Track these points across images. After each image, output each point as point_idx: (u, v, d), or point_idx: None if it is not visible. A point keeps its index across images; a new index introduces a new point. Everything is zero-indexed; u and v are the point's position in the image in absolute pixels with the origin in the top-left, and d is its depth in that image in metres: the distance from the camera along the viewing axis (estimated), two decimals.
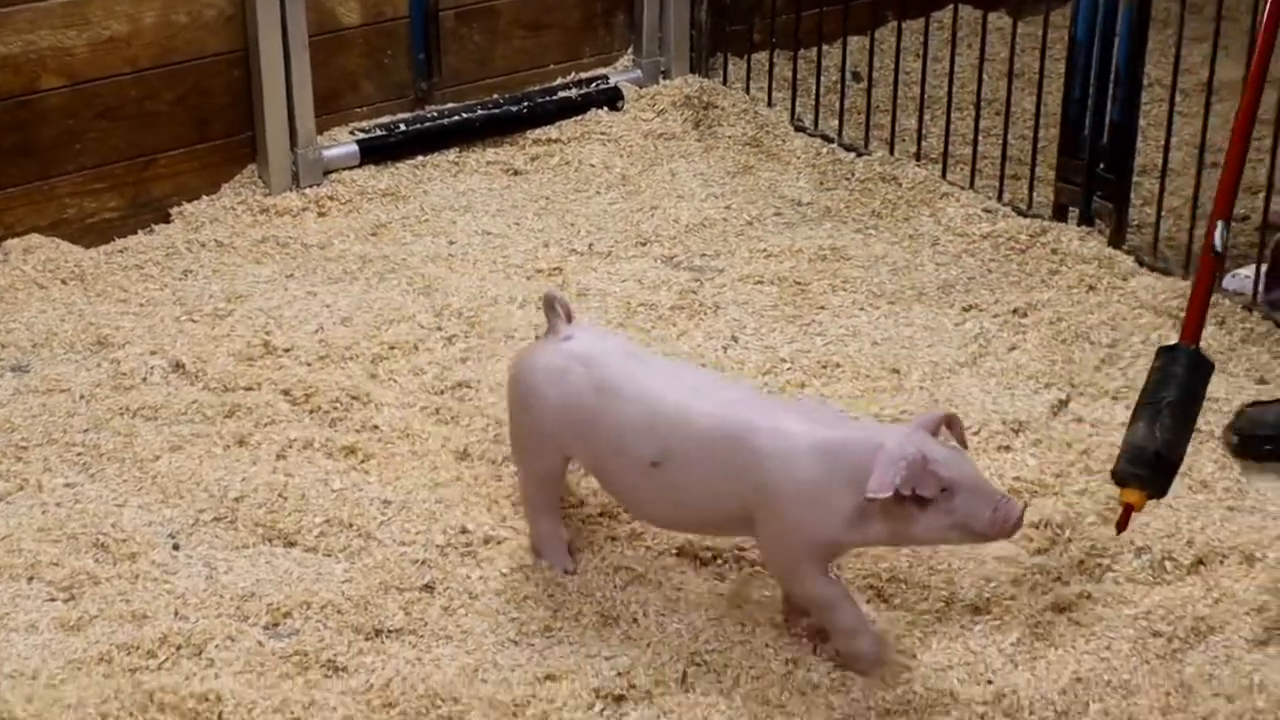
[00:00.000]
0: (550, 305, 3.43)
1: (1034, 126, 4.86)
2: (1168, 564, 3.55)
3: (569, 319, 3.44)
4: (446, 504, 3.69)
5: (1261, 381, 4.17)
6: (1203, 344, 3.99)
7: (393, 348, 4.23)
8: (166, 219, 4.74)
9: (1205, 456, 3.87)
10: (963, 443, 3.21)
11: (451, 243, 4.71)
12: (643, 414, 3.29)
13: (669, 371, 3.44)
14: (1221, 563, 3.55)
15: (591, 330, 3.56)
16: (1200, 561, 3.55)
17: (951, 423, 3.19)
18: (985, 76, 5.05)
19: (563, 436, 3.42)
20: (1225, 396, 4.08)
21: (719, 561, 3.55)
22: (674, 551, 3.57)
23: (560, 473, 3.54)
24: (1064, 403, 4.07)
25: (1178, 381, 3.32)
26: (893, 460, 3.03)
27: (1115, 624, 3.39)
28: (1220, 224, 3.37)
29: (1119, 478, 3.31)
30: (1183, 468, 3.76)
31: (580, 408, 3.35)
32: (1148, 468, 3.28)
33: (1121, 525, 3.36)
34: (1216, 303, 4.34)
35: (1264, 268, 4.42)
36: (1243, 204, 4.74)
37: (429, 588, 3.47)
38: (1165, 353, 3.38)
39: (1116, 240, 4.69)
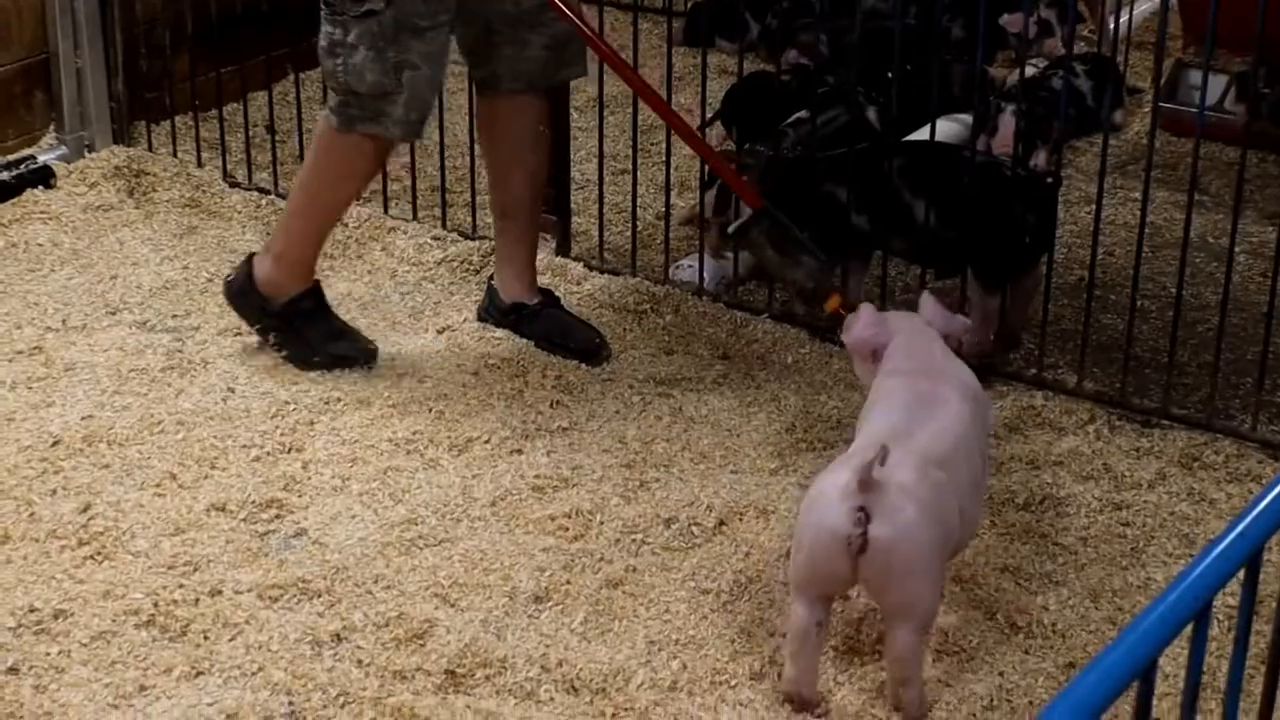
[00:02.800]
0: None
1: (470, 155, 5.07)
2: (694, 529, 3.83)
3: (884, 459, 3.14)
4: (5, 587, 3.61)
5: (724, 357, 4.51)
6: (662, 335, 4.36)
7: None
8: None
9: (704, 431, 4.18)
10: None
11: None
12: (944, 436, 3.34)
13: (882, 409, 3.45)
14: (740, 520, 3.86)
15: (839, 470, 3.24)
16: (722, 522, 3.85)
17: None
18: None
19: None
20: (696, 375, 4.41)
21: (292, 597, 3.63)
22: (254, 593, 3.62)
23: None
24: (560, 403, 4.30)
25: (782, 233, 4.14)
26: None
27: (666, 589, 3.64)
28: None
29: (822, 296, 4.11)
30: (681, 446, 4.08)
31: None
32: (823, 278, 4.13)
33: (848, 308, 3.98)
34: (669, 293, 4.70)
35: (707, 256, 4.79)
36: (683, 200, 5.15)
37: (14, 670, 3.39)
38: (755, 220, 4.15)
39: (563, 249, 4.96)
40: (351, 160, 4.34)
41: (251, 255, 4.51)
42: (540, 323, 4.56)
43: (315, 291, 4.51)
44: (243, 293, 4.48)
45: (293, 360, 4.43)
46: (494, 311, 4.63)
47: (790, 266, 4.14)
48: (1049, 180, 4.48)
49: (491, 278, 4.69)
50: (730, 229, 4.40)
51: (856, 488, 3.10)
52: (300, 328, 4.45)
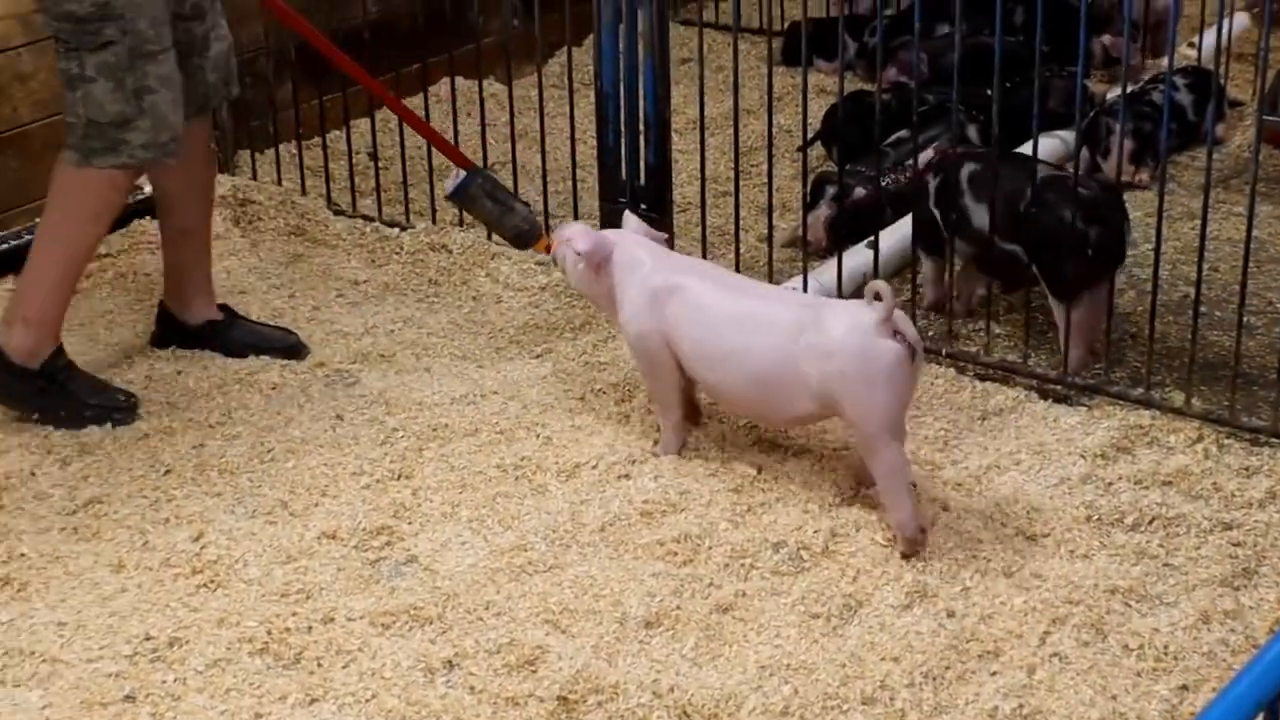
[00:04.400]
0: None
1: (571, 177, 5.10)
2: (803, 553, 3.82)
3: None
4: (121, 615, 3.67)
5: None
6: None
7: (9, 476, 4.15)
8: None
9: (809, 457, 4.19)
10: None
11: None
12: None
13: (720, 286, 4.08)
14: (847, 543, 3.85)
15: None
16: (830, 545, 3.84)
17: None
18: (493, 139, 5.26)
19: None
20: None
21: (404, 624, 3.66)
22: (366, 620, 3.65)
23: None
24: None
25: (495, 187, 4.74)
26: None
27: (777, 614, 3.64)
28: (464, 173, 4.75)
29: (534, 238, 4.73)
30: (787, 471, 4.07)
31: None
32: (535, 222, 4.78)
33: (549, 249, 4.50)
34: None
35: None
36: None
37: (130, 698, 3.44)
38: (470, 179, 4.70)
39: None
40: (102, 195, 4.32)
41: None
42: (237, 333, 4.71)
43: (62, 349, 4.42)
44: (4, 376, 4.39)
45: (66, 421, 4.35)
46: (178, 335, 4.70)
47: (507, 214, 4.70)
48: (1113, 191, 4.46)
49: (163, 303, 4.73)
50: (446, 192, 4.84)
51: (883, 323, 3.73)
52: (64, 382, 4.38)
